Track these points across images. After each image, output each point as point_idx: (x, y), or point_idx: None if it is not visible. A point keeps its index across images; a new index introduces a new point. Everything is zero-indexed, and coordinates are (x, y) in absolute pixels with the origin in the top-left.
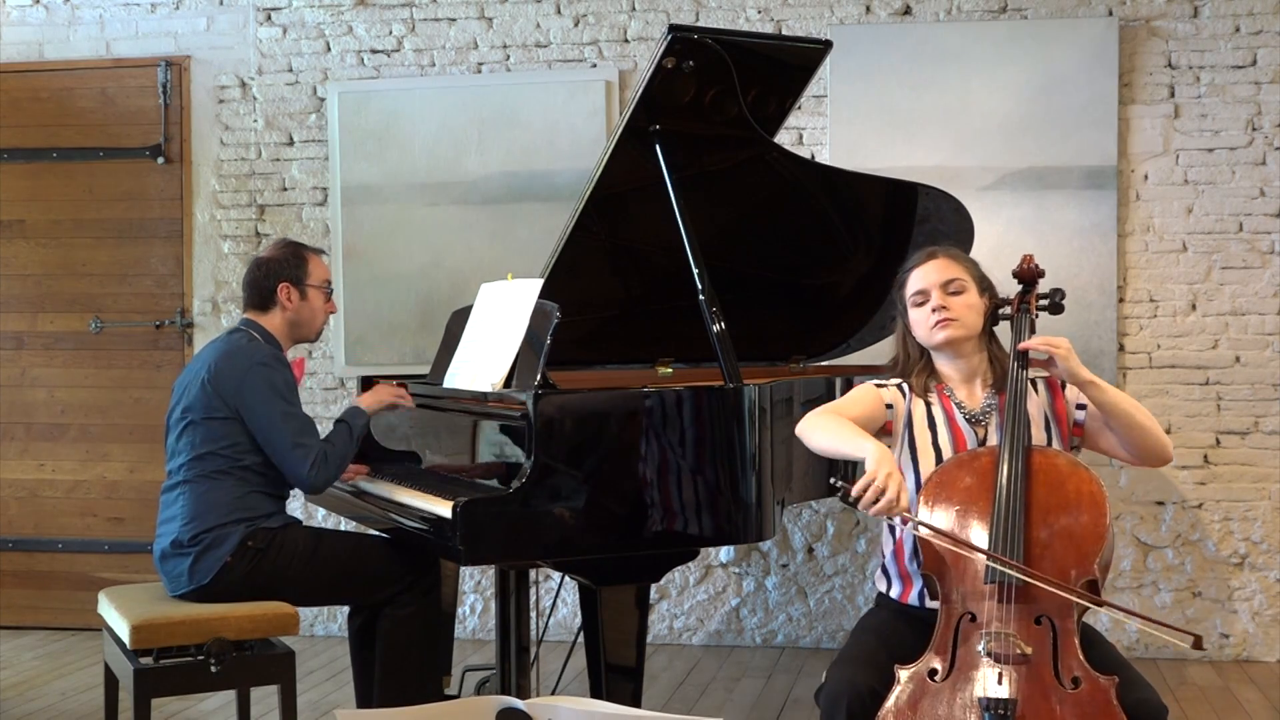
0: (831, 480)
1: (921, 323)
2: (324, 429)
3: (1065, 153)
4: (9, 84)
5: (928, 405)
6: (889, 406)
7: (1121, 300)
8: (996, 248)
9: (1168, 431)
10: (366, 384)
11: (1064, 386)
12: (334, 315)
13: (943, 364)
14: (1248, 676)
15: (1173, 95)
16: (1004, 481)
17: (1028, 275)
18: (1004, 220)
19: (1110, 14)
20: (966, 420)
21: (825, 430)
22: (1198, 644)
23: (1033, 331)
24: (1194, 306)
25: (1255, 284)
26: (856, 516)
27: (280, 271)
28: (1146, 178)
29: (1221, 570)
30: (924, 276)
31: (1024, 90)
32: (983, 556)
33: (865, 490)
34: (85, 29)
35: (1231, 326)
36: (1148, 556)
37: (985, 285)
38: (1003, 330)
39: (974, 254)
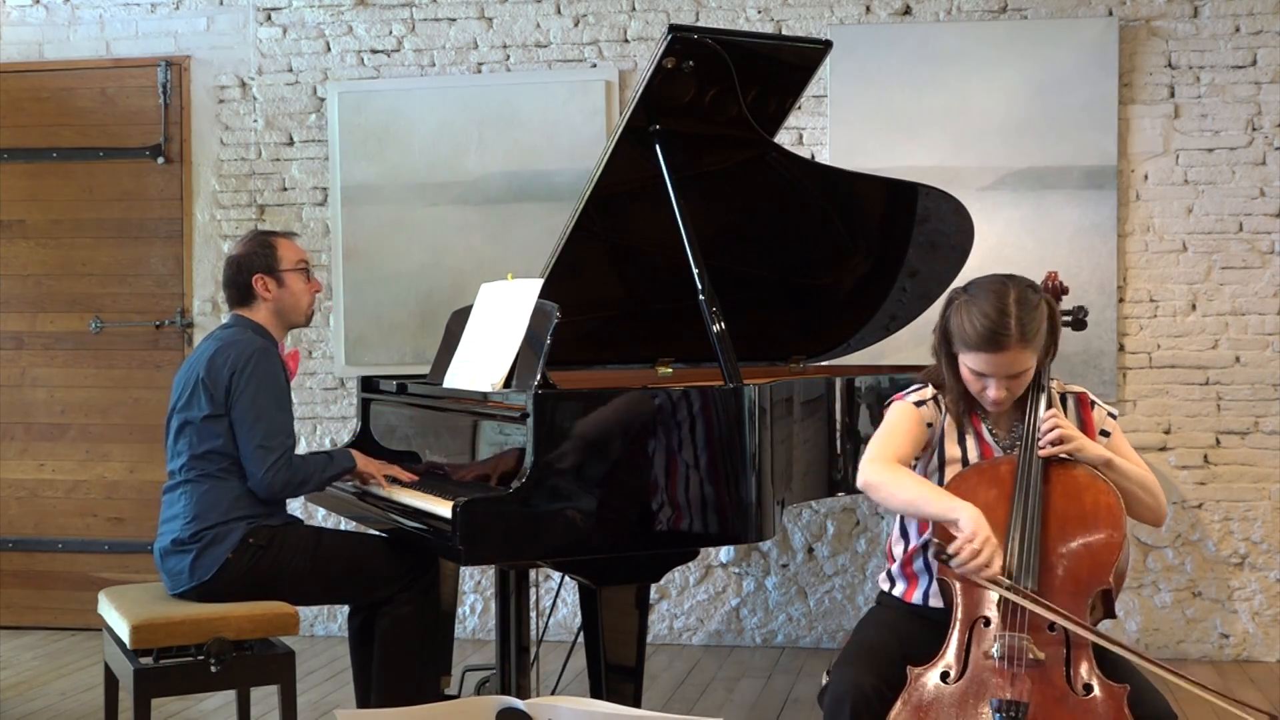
0: (932, 541)
1: (973, 386)
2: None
3: (1065, 153)
4: (9, 84)
5: (959, 423)
6: (929, 425)
7: (1121, 300)
8: (996, 248)
9: (1167, 432)
10: (367, 383)
11: (1093, 405)
12: (334, 315)
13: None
14: (1248, 676)
15: (1173, 95)
16: (1021, 496)
17: (1052, 294)
18: (1004, 220)
19: (1110, 14)
20: (996, 444)
21: (907, 489)
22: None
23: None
24: (1194, 306)
25: (1255, 284)
26: (857, 517)
27: (252, 265)
28: (1146, 178)
29: (1221, 570)
30: (990, 366)
31: (1024, 90)
32: (1004, 593)
33: (960, 551)
34: (85, 29)
35: (1231, 326)
36: (1148, 556)
37: (1048, 349)
38: None
39: (974, 254)
